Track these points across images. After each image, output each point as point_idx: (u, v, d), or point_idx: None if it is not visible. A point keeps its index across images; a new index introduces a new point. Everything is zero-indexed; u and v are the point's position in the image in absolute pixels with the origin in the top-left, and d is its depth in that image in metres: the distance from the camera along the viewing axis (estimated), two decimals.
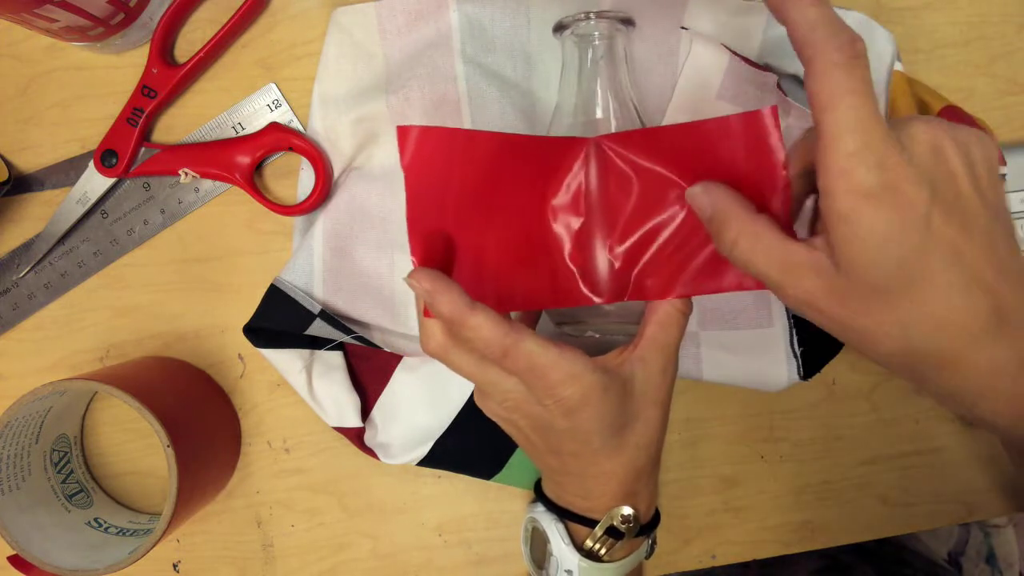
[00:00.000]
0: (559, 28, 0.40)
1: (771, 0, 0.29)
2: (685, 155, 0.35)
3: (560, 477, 0.39)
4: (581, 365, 0.34)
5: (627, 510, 0.38)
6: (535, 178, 0.37)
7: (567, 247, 0.38)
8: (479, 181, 0.36)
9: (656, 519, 0.41)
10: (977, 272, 0.28)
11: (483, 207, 0.36)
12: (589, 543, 0.39)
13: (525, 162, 0.36)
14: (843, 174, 0.27)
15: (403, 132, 0.34)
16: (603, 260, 0.37)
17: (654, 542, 0.42)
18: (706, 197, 0.33)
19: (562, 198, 0.38)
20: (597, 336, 0.42)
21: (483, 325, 0.32)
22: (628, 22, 0.40)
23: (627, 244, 0.37)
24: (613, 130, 0.38)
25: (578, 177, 0.37)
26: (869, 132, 0.27)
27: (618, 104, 0.40)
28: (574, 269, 0.38)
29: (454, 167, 0.35)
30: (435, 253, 0.35)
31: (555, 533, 0.39)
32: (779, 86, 0.42)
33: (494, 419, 0.38)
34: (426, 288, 0.32)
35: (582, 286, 0.37)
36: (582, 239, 0.37)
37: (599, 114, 0.40)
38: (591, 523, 0.39)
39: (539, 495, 0.42)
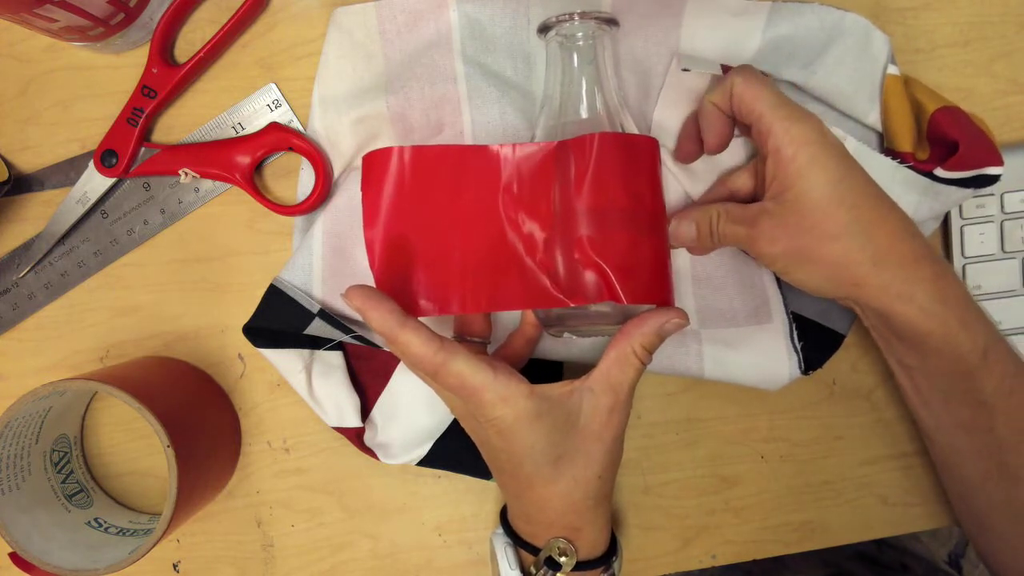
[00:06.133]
0: (543, 29, 0.40)
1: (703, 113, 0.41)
2: (643, 165, 0.38)
3: (505, 495, 0.40)
4: (514, 389, 0.35)
5: (562, 543, 0.38)
6: (495, 184, 0.38)
7: (535, 250, 0.38)
8: (434, 192, 0.38)
9: (610, 552, 0.40)
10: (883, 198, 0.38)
11: (442, 216, 0.38)
12: (532, 570, 0.39)
13: (482, 170, 0.38)
14: (787, 131, 0.36)
15: (364, 158, 0.38)
16: (572, 263, 0.37)
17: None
18: (686, 222, 0.41)
19: (528, 202, 0.39)
20: (575, 338, 0.42)
21: (412, 342, 0.33)
22: (612, 23, 0.40)
23: (595, 247, 0.37)
24: (597, 131, 0.38)
25: (547, 180, 0.38)
26: (790, 105, 0.37)
27: (602, 105, 0.40)
28: (542, 272, 0.38)
29: (405, 181, 0.38)
30: (393, 265, 0.38)
31: (503, 556, 0.40)
32: None
33: None
34: (356, 306, 0.34)
35: (551, 288, 0.38)
36: (551, 242, 0.38)
37: (584, 115, 0.40)
38: (535, 550, 0.39)
39: (501, 516, 0.42)
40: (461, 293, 0.39)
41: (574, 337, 0.42)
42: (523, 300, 0.38)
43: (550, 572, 0.38)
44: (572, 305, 0.38)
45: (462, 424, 0.39)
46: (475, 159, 0.39)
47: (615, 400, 0.37)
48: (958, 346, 0.37)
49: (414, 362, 0.34)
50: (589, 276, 0.37)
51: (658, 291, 0.38)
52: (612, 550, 0.41)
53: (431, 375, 0.35)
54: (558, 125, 0.40)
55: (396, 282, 0.39)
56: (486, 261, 0.38)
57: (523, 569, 0.40)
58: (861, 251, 0.36)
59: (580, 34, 0.40)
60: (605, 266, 0.37)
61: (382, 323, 0.34)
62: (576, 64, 0.40)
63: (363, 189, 0.40)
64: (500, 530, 0.41)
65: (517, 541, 0.40)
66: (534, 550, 0.39)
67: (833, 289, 0.38)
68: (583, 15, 0.39)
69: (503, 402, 0.35)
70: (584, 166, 0.37)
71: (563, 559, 0.38)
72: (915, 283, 0.36)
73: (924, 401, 0.42)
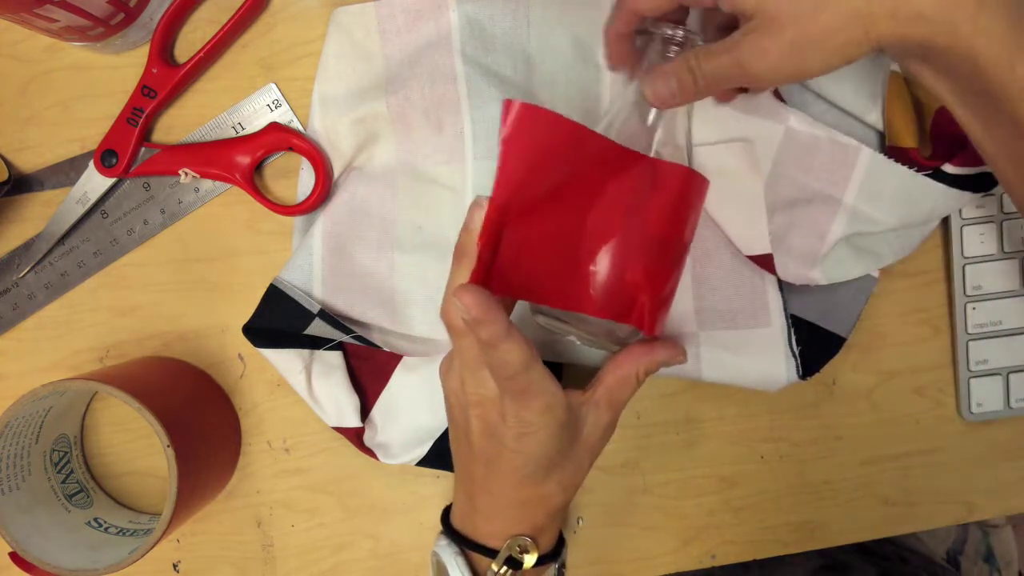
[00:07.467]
0: (642, 31, 0.40)
1: None
2: (699, 206, 0.39)
3: (477, 490, 0.39)
4: (558, 399, 0.35)
5: (523, 541, 0.38)
6: (598, 182, 0.37)
7: (592, 255, 0.37)
8: (558, 172, 0.36)
9: (560, 546, 0.40)
10: None
11: (549, 198, 0.36)
12: (494, 567, 0.38)
13: (595, 164, 0.36)
14: None
15: (510, 105, 0.34)
16: (618, 280, 0.37)
17: (562, 566, 0.41)
18: (660, 79, 0.37)
19: (606, 205, 0.37)
20: (578, 343, 0.41)
21: (512, 351, 0.33)
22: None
23: (649, 276, 0.37)
24: (654, 147, 0.38)
25: (631, 191, 0.37)
26: None
27: (668, 123, 0.39)
28: (594, 280, 0.37)
29: (547, 153, 0.35)
30: (496, 233, 0.35)
31: (455, 567, 0.39)
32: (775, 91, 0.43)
33: (447, 399, 0.38)
34: (475, 316, 0.32)
35: (595, 297, 0.37)
36: (611, 252, 0.37)
37: (645, 129, 0.39)
38: (491, 553, 0.38)
39: (444, 524, 0.41)
40: (520, 278, 0.36)
41: (577, 342, 0.41)
42: (563, 300, 0.37)
43: (510, 572, 0.38)
44: (602, 317, 0.37)
45: (459, 404, 0.37)
46: (595, 148, 0.37)
47: (612, 417, 0.38)
48: (973, 55, 0.32)
49: (501, 365, 0.33)
50: (629, 299, 0.37)
51: (664, 324, 0.39)
52: (561, 541, 0.41)
53: (506, 378, 0.34)
54: (625, 128, 0.40)
55: (491, 250, 0.36)
56: (554, 254, 0.37)
57: (477, 574, 0.39)
58: (849, 2, 0.32)
59: (676, 48, 0.39)
60: (649, 296, 0.37)
61: (492, 335, 0.32)
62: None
63: (508, 142, 0.35)
64: (444, 540, 0.40)
65: (468, 544, 0.39)
66: (487, 552, 0.38)
67: (853, 52, 0.34)
68: (689, 32, 0.39)
69: (547, 409, 0.35)
70: (667, 195, 0.37)
71: (524, 556, 0.38)
72: None
73: (972, 135, 0.36)
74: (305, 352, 0.45)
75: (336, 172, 0.46)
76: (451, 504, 0.42)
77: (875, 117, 0.44)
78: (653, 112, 0.39)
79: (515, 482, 0.37)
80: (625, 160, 0.37)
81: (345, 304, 0.45)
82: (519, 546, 0.38)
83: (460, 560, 0.39)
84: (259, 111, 0.47)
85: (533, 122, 0.34)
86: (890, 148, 0.44)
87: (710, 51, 0.36)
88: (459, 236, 0.35)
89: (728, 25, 0.39)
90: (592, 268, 0.37)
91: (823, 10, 0.33)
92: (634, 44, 0.40)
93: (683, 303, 0.45)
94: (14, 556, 0.41)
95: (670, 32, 0.38)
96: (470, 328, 0.33)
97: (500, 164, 0.34)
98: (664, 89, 0.37)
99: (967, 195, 0.42)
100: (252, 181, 0.46)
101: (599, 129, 0.40)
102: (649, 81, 0.38)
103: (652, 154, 0.39)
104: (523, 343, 0.33)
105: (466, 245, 0.34)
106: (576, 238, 0.37)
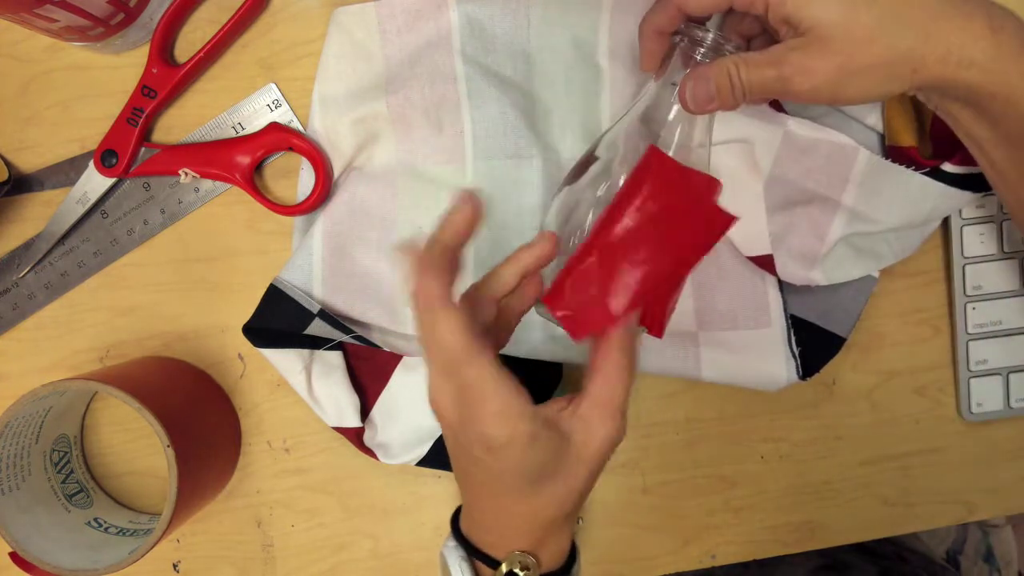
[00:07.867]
0: (676, 32, 0.38)
1: None
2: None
3: (471, 500, 0.38)
4: (517, 407, 0.32)
5: (524, 557, 0.36)
6: (658, 199, 0.36)
7: (647, 272, 0.36)
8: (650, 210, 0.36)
9: (571, 560, 0.39)
10: None
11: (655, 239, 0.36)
12: None
13: (660, 184, 0.36)
14: None
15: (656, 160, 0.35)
16: (660, 291, 0.36)
17: None
18: (700, 81, 0.37)
19: (659, 222, 0.36)
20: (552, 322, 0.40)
21: (449, 326, 0.31)
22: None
23: (670, 289, 0.36)
24: (672, 150, 0.38)
25: (680, 204, 0.36)
26: None
27: (685, 126, 0.38)
28: (638, 293, 0.36)
29: (655, 197, 0.35)
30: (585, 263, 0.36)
31: (458, 571, 0.37)
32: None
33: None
34: (408, 267, 0.31)
35: (635, 309, 0.36)
36: (659, 265, 0.36)
37: (662, 130, 0.38)
38: (494, 563, 0.37)
39: (453, 526, 0.40)
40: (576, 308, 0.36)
41: (549, 319, 0.40)
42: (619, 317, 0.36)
43: None
44: (652, 334, 0.37)
45: (439, 420, 0.36)
46: (685, 183, 0.36)
47: (610, 427, 0.35)
48: (1020, 103, 0.34)
49: (439, 347, 0.32)
50: (659, 307, 0.36)
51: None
52: (572, 557, 0.39)
53: (446, 365, 0.32)
54: (646, 128, 0.39)
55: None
56: (625, 283, 0.36)
57: None
58: (904, 39, 0.34)
59: (703, 49, 0.38)
60: (666, 303, 0.36)
61: (427, 293, 0.31)
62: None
63: (635, 181, 0.36)
64: (452, 542, 0.39)
65: (473, 552, 0.38)
66: (492, 561, 0.37)
67: (894, 87, 0.35)
68: (720, 36, 0.37)
69: (505, 419, 0.32)
70: (702, 206, 0.36)
71: (524, 572, 0.36)
72: (972, 44, 0.34)
73: (1001, 176, 0.38)
74: (305, 352, 0.45)
75: (336, 172, 0.46)
76: (461, 505, 0.41)
77: (875, 119, 0.44)
78: (672, 114, 0.38)
79: (500, 495, 0.36)
80: (682, 176, 0.36)
81: (345, 304, 0.45)
82: (520, 562, 0.36)
83: (465, 565, 0.37)
84: (259, 111, 0.47)
85: (660, 171, 0.35)
86: (890, 147, 0.44)
87: (751, 61, 0.35)
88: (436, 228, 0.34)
89: (752, 34, 0.39)
90: (638, 282, 0.36)
91: (876, 42, 0.34)
92: (669, 42, 0.39)
93: (683, 303, 0.45)
94: (14, 556, 0.41)
95: (700, 34, 0.37)
96: (407, 285, 0.31)
97: (626, 205, 0.35)
98: (702, 93, 0.36)
99: (967, 195, 0.42)
100: (252, 181, 0.46)
101: (612, 130, 0.40)
102: (687, 83, 0.37)
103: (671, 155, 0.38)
104: (462, 322, 0.31)
105: (444, 232, 0.34)
106: (632, 256, 0.36)
